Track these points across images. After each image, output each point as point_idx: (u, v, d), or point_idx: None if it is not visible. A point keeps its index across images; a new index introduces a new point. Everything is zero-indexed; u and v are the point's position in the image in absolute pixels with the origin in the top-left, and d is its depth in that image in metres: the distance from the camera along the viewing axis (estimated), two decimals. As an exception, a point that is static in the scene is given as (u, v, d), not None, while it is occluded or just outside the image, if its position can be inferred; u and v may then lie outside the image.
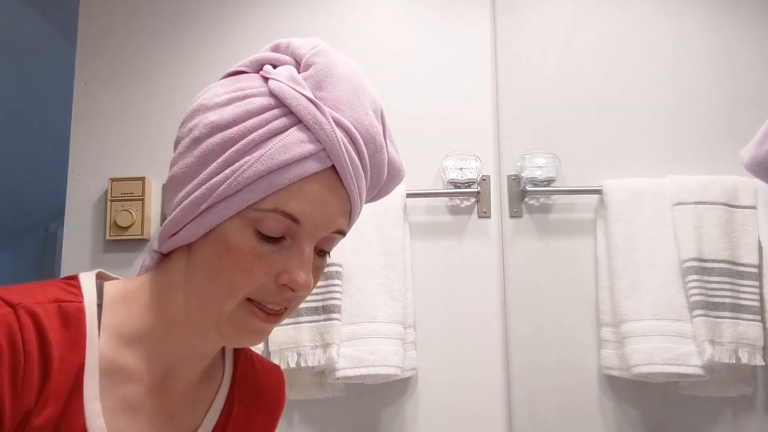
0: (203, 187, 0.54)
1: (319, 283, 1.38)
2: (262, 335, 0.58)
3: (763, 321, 1.31)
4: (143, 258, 0.65)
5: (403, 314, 1.38)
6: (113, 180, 1.53)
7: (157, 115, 1.59)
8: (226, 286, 0.55)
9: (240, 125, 0.54)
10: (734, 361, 1.28)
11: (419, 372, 1.43)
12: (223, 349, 0.69)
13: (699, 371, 1.28)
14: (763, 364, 1.29)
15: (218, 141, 0.54)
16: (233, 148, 0.54)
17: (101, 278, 0.61)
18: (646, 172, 1.44)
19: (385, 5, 1.62)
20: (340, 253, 1.39)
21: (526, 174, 1.48)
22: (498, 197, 1.51)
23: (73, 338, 0.53)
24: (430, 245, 1.49)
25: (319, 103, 0.55)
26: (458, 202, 1.51)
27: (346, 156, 0.55)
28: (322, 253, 0.59)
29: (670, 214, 1.38)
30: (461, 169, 1.47)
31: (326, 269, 1.38)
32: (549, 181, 1.47)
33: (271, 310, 0.57)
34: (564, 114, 1.52)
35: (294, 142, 0.54)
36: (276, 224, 0.54)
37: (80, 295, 0.56)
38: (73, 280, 0.58)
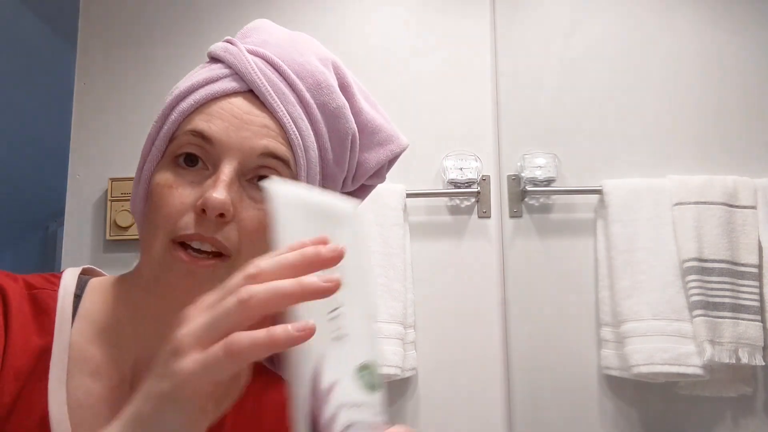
0: (142, 153, 0.56)
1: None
2: (196, 280, 0.51)
3: (763, 321, 1.31)
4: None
5: (402, 314, 1.38)
6: (113, 180, 1.53)
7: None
8: (151, 227, 0.52)
9: (176, 89, 0.56)
10: (734, 361, 1.28)
11: (419, 372, 1.43)
12: None
13: (699, 371, 1.28)
14: (763, 364, 1.29)
15: (162, 110, 0.56)
16: (165, 105, 0.56)
17: (92, 274, 0.60)
18: (646, 172, 1.44)
19: (386, 5, 1.62)
20: (340, 253, 1.39)
21: (526, 174, 1.48)
22: (498, 197, 1.51)
23: (40, 323, 0.53)
24: (430, 245, 1.49)
25: (233, 39, 0.57)
26: (458, 202, 1.51)
27: (262, 77, 0.54)
28: (260, 179, 0.53)
29: (670, 214, 1.38)
30: (461, 169, 1.47)
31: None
32: (549, 181, 1.47)
33: (197, 251, 0.51)
34: (564, 114, 1.52)
35: (202, 72, 0.55)
36: (188, 144, 0.52)
37: (57, 285, 0.56)
38: (57, 273, 0.59)
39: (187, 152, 0.52)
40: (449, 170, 1.48)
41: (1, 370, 0.50)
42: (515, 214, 1.50)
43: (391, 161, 0.66)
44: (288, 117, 0.54)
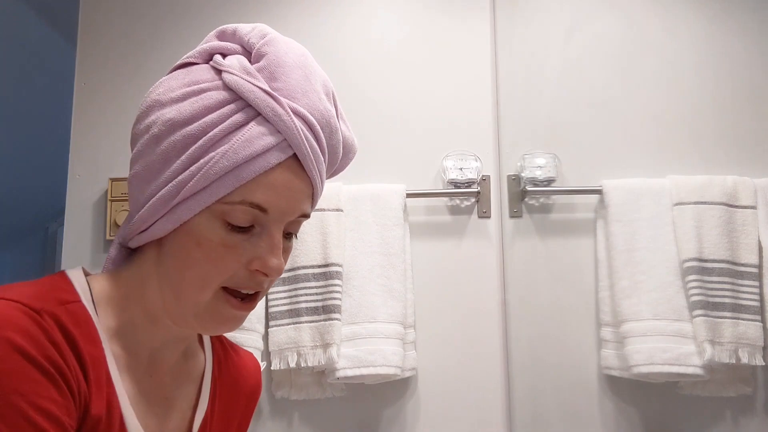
0: (170, 184, 0.55)
1: (320, 283, 1.38)
2: (238, 322, 0.60)
3: (763, 321, 1.31)
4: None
5: (403, 314, 1.38)
6: (113, 180, 1.53)
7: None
8: (200, 278, 0.56)
9: (200, 121, 0.55)
10: (734, 361, 1.28)
11: (419, 372, 1.43)
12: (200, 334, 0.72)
13: (699, 371, 1.28)
14: (763, 364, 1.29)
15: (179, 138, 0.55)
16: (196, 145, 0.55)
17: (86, 274, 0.63)
18: (646, 172, 1.44)
19: (386, 6, 1.62)
20: (340, 253, 1.39)
21: (526, 174, 1.48)
22: (498, 197, 1.51)
23: (87, 335, 0.55)
24: (430, 245, 1.49)
25: (275, 94, 0.56)
26: (458, 202, 1.51)
27: (306, 144, 0.57)
28: (288, 235, 0.61)
29: (670, 214, 1.38)
30: (461, 169, 1.47)
31: (326, 269, 1.38)
32: (549, 181, 1.47)
33: (245, 296, 0.59)
34: (564, 114, 1.52)
35: (256, 136, 0.55)
36: (244, 215, 0.56)
37: (77, 294, 0.58)
38: (63, 279, 0.59)
39: (245, 221, 0.56)
40: (449, 170, 1.48)
41: (89, 385, 0.53)
42: (515, 214, 1.50)
43: None
44: (319, 179, 0.60)
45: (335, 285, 1.37)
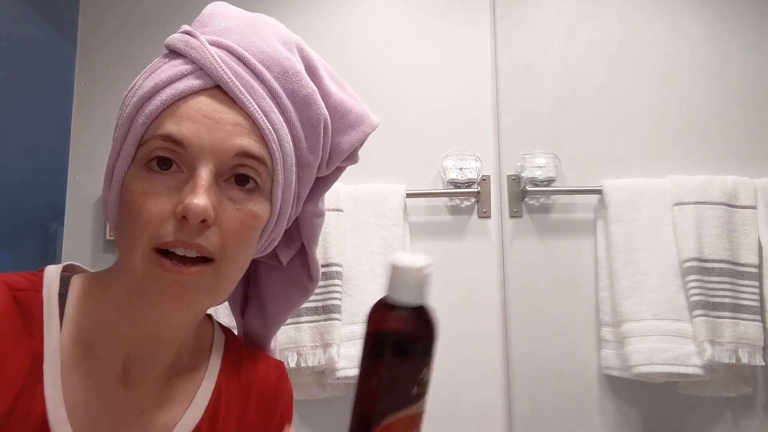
0: (110, 153, 0.54)
1: (320, 283, 1.38)
2: (183, 288, 0.50)
3: (763, 321, 1.31)
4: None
5: (403, 314, 1.38)
6: (113, 180, 1.53)
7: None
8: (130, 236, 0.50)
9: (131, 84, 0.55)
10: (734, 361, 1.28)
11: (419, 372, 1.43)
12: (210, 347, 0.64)
13: (699, 371, 1.28)
14: (763, 364, 1.29)
15: (120, 108, 0.55)
16: (122, 106, 0.54)
17: (72, 271, 0.59)
18: (646, 172, 1.44)
19: (386, 5, 1.62)
20: (340, 253, 1.39)
21: (526, 174, 1.48)
22: (498, 197, 1.51)
23: (28, 326, 0.51)
24: (430, 245, 1.49)
25: (192, 30, 0.54)
26: (458, 202, 1.51)
27: (228, 71, 0.51)
28: (242, 181, 0.52)
29: (670, 214, 1.38)
30: (461, 169, 1.47)
31: (326, 269, 1.37)
32: (549, 181, 1.47)
33: (181, 258, 0.50)
34: (564, 114, 1.52)
35: (164, 69, 0.52)
36: (159, 152, 0.50)
37: (40, 284, 0.55)
38: (40, 271, 0.57)
39: (160, 156, 0.50)
40: (449, 170, 1.48)
41: None
42: (515, 214, 1.50)
43: (363, 142, 0.64)
44: (260, 112, 0.52)
45: (335, 285, 1.37)
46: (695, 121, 1.47)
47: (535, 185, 1.47)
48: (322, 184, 0.66)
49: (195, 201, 0.48)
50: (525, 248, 1.48)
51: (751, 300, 1.31)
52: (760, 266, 1.33)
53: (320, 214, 0.67)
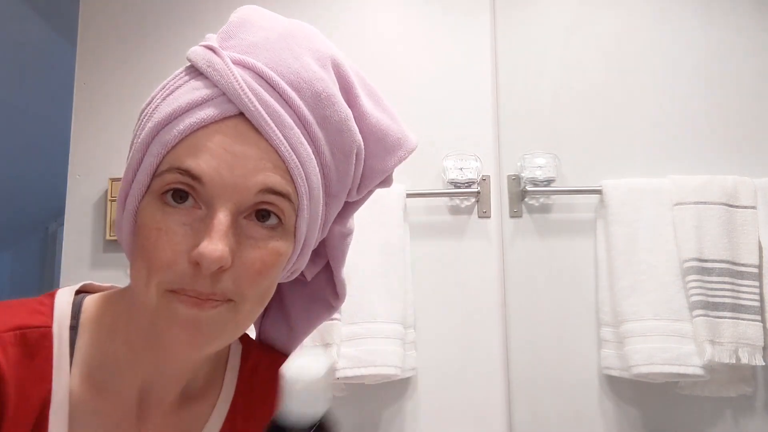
0: (124, 176, 0.49)
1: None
2: (198, 327, 0.46)
3: (763, 321, 1.31)
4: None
5: (403, 314, 1.38)
6: (113, 180, 1.53)
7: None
8: (143, 272, 0.46)
9: (149, 98, 0.50)
10: (734, 361, 1.28)
11: (419, 372, 1.43)
12: (226, 363, 0.60)
13: (699, 371, 1.28)
14: (763, 364, 1.29)
15: (136, 124, 0.50)
16: (138, 122, 0.49)
17: (88, 291, 0.55)
18: (646, 172, 1.44)
19: (386, 5, 1.62)
20: (340, 253, 1.39)
21: (526, 174, 1.48)
22: (498, 197, 1.51)
23: (38, 370, 0.47)
24: (430, 245, 1.49)
25: (215, 47, 0.48)
26: (458, 202, 1.51)
27: (254, 98, 0.46)
28: (264, 217, 0.48)
29: (670, 214, 1.38)
30: (461, 169, 1.47)
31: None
32: (549, 181, 1.47)
33: (200, 294, 0.46)
34: (564, 114, 1.52)
35: (185, 92, 0.47)
36: (175, 185, 0.45)
37: (50, 317, 0.50)
38: (47, 299, 0.52)
39: (176, 188, 0.46)
40: (449, 170, 1.48)
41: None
42: (515, 214, 1.50)
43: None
44: (286, 145, 0.47)
45: (335, 285, 1.37)
46: (695, 121, 1.47)
47: (535, 185, 1.47)
48: (352, 206, 0.60)
49: (211, 247, 0.43)
50: (525, 248, 1.48)
51: (751, 300, 1.31)
52: (760, 266, 1.33)
53: (348, 233, 0.61)
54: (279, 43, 0.49)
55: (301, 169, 0.48)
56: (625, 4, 1.55)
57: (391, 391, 1.43)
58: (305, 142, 0.48)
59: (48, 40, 1.58)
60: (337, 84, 0.51)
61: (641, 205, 1.39)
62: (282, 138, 0.47)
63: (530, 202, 1.50)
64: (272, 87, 0.47)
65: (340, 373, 1.33)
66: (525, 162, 1.49)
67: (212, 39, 0.50)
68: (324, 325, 1.35)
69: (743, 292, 1.31)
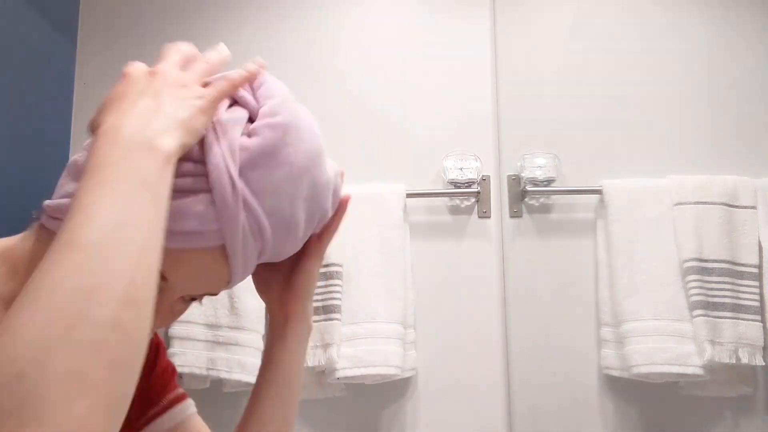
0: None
1: (320, 283, 1.38)
2: None
3: (763, 321, 1.31)
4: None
5: (403, 314, 1.38)
6: (113, 180, 1.53)
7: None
8: None
9: None
10: (734, 361, 1.28)
11: (419, 372, 1.43)
12: None
13: (699, 371, 1.28)
14: (763, 364, 1.29)
15: None
16: None
17: None
18: (646, 172, 1.44)
19: (386, 5, 1.62)
20: (340, 253, 1.39)
21: (526, 174, 1.48)
22: (498, 197, 1.51)
23: None
24: (430, 245, 1.49)
25: (238, 185, 0.48)
26: (458, 202, 1.51)
27: (242, 245, 0.50)
28: (190, 300, 0.56)
29: (670, 214, 1.38)
30: (461, 169, 1.47)
31: (326, 269, 1.38)
32: (549, 181, 1.47)
33: None
34: (564, 114, 1.51)
35: (192, 215, 0.48)
36: None
37: None
38: None
39: None
40: (449, 170, 1.48)
41: None
42: (515, 214, 1.50)
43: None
44: (243, 272, 0.53)
45: (335, 285, 1.37)
46: (695, 121, 1.47)
47: (535, 185, 1.47)
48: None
49: None
50: (525, 248, 1.48)
51: (751, 300, 1.31)
52: (760, 266, 1.33)
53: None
54: (286, 186, 0.51)
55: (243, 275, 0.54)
56: (626, 5, 1.55)
57: (391, 391, 1.43)
58: (257, 261, 0.54)
59: (48, 40, 1.58)
60: (306, 220, 0.55)
61: (641, 205, 1.39)
62: (243, 269, 0.52)
63: (530, 202, 1.50)
64: (261, 232, 0.51)
65: (340, 373, 1.33)
66: (525, 162, 1.49)
67: (234, 147, 0.49)
68: (324, 325, 1.35)
69: (743, 292, 1.31)
